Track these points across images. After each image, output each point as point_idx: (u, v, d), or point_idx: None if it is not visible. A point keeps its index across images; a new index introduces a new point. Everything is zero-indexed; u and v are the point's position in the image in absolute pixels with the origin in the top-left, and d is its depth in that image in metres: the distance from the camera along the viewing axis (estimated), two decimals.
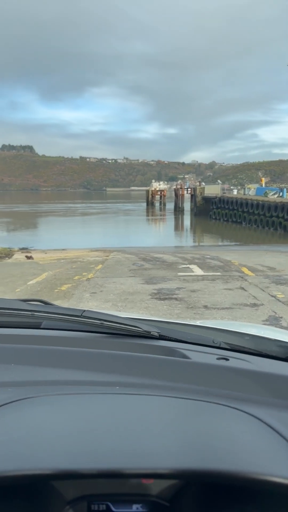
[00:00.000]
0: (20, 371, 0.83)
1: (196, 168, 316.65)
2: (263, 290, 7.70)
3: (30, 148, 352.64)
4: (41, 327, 1.10)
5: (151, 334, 1.03)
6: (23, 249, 14.95)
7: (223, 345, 1.05)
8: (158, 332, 1.04)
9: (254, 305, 6.75)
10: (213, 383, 0.82)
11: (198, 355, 0.95)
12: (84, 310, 1.03)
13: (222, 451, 0.58)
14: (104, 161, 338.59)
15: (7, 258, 12.58)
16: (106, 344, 0.98)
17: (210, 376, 0.84)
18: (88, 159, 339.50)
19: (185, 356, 0.93)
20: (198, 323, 1.41)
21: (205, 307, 6.63)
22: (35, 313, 1.03)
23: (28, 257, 12.43)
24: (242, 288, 7.90)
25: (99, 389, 0.77)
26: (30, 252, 13.73)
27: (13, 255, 13.20)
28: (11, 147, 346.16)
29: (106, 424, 0.64)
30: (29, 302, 1.11)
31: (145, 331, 1.02)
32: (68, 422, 0.65)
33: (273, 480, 0.53)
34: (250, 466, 0.55)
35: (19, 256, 12.91)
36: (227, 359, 0.93)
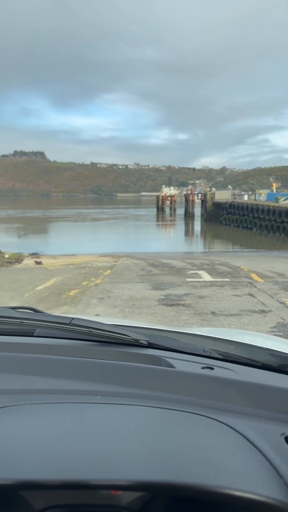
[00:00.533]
0: (3, 379, 0.84)
1: (207, 174, 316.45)
2: (272, 297, 7.62)
3: (42, 154, 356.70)
4: (35, 334, 1.10)
5: (140, 342, 1.02)
6: (33, 255, 15.08)
7: (213, 354, 1.04)
8: (146, 340, 1.04)
9: (263, 311, 6.68)
10: (195, 393, 0.81)
11: (184, 364, 0.94)
12: (73, 318, 1.02)
13: (190, 463, 0.57)
14: (114, 167, 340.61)
15: (16, 264, 12.69)
16: (93, 352, 0.98)
17: (193, 386, 0.83)
18: (98, 165, 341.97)
19: (170, 365, 0.92)
20: (193, 331, 1.40)
21: (213, 313, 6.59)
22: (24, 321, 1.03)
23: (37, 263, 12.52)
24: (251, 295, 7.83)
25: (80, 398, 0.76)
26: (40, 258, 13.83)
27: (22, 260, 13.32)
28: (23, 153, 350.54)
29: (79, 434, 0.64)
30: (19, 310, 1.11)
31: (133, 339, 1.02)
32: (41, 432, 0.64)
33: (238, 495, 0.52)
34: (217, 480, 0.54)
35: (29, 262, 13.01)
36: (212, 368, 0.92)
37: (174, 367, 0.91)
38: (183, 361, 0.96)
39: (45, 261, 12.98)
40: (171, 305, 7.12)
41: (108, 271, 10.60)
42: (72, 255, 15.18)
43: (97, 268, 11.30)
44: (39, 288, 8.70)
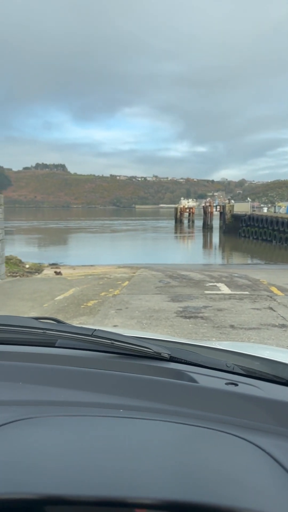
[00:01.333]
0: (27, 390, 0.83)
1: (226, 186, 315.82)
2: None
3: (63, 166, 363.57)
4: (56, 345, 1.10)
5: (161, 356, 1.01)
6: (52, 265, 15.27)
7: (236, 369, 1.02)
8: (168, 354, 1.03)
9: (283, 326, 6.54)
10: (219, 409, 0.80)
11: (207, 379, 0.92)
12: (95, 330, 1.02)
13: (217, 483, 0.56)
14: (133, 179, 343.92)
15: (37, 274, 12.86)
16: (115, 365, 0.97)
17: (217, 402, 0.82)
18: (118, 177, 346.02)
19: (193, 380, 0.91)
20: (214, 344, 1.38)
21: (232, 326, 6.49)
22: (47, 331, 1.04)
23: (57, 273, 12.66)
24: (271, 308, 7.69)
25: (102, 411, 0.76)
26: (59, 268, 13.98)
27: (42, 270, 13.49)
28: (44, 166, 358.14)
29: (103, 449, 0.63)
30: (42, 320, 1.12)
31: (155, 352, 1.01)
32: (65, 445, 0.64)
33: None
34: (245, 503, 0.52)
35: (49, 272, 13.17)
36: (236, 385, 0.90)
37: (197, 382, 0.90)
38: (206, 376, 0.94)
39: (64, 271, 13.10)
40: (189, 317, 7.05)
41: (126, 282, 10.61)
42: (91, 266, 15.29)
43: (115, 279, 11.33)
44: (58, 298, 8.77)
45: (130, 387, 0.85)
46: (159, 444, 0.66)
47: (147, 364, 0.99)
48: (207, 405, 0.81)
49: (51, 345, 1.10)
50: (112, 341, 1.00)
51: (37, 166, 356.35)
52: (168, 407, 0.78)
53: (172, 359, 1.03)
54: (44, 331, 1.03)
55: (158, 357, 1.01)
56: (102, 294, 9.10)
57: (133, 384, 0.86)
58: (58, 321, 1.16)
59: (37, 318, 1.13)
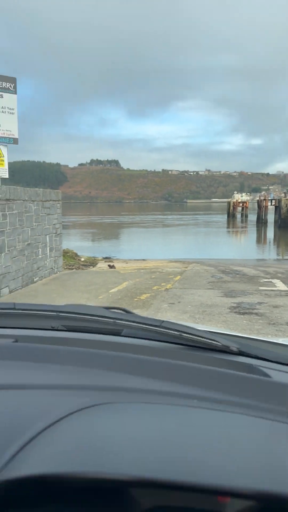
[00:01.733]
0: (102, 376, 0.87)
1: (282, 179, 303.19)
2: None
3: (116, 162, 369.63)
4: (122, 334, 1.14)
5: (230, 349, 1.01)
6: (106, 259, 15.62)
7: None
8: (237, 348, 1.02)
9: None
10: None
11: (280, 374, 0.91)
12: (163, 321, 1.04)
13: None
14: (185, 173, 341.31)
15: (91, 267, 13.24)
16: (184, 356, 0.99)
17: None
18: (170, 172, 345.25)
19: (266, 375, 0.90)
20: (280, 341, 1.35)
21: None
22: (117, 321, 1.07)
23: (110, 266, 12.94)
24: None
25: (177, 400, 0.77)
26: (112, 262, 14.28)
27: (97, 264, 13.86)
28: (99, 162, 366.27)
29: (184, 436, 0.64)
30: (112, 310, 1.16)
31: (223, 345, 1.01)
32: (148, 430, 0.66)
33: None
34: None
35: (102, 265, 13.50)
36: None
37: (270, 377, 0.89)
38: (277, 371, 0.93)
39: (117, 265, 13.36)
40: (244, 313, 6.90)
41: (178, 277, 10.60)
42: (143, 260, 15.44)
43: (167, 273, 11.35)
44: (112, 291, 8.97)
45: (202, 378, 0.86)
46: (240, 436, 0.66)
47: (215, 357, 0.99)
48: (283, 400, 0.79)
49: (117, 333, 1.14)
50: (181, 333, 1.01)
51: (92, 162, 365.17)
52: (242, 400, 0.78)
53: (240, 353, 1.02)
54: (115, 320, 1.07)
55: (226, 351, 1.01)
56: (155, 287, 9.17)
57: (205, 375, 0.87)
58: (127, 311, 1.20)
59: (107, 308, 1.17)
